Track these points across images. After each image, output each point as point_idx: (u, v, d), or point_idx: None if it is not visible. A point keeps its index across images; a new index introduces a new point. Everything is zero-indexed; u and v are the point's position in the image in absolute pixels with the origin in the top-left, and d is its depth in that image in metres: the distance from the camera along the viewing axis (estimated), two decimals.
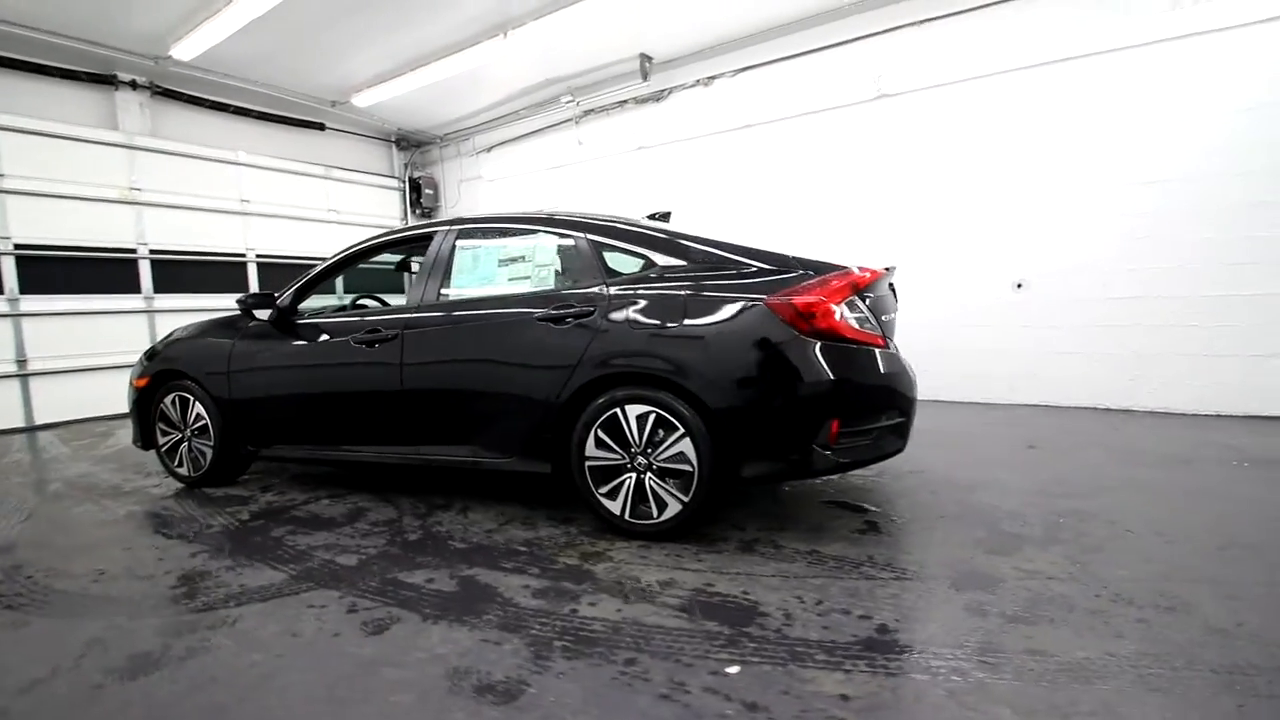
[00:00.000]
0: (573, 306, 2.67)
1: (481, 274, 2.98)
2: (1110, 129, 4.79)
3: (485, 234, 3.08)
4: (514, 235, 3.02)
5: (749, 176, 6.47)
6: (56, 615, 2.15)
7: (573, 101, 7.24)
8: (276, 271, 7.64)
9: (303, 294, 3.42)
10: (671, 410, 2.46)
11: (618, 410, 2.55)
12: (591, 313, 2.63)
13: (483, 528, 2.84)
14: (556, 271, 2.85)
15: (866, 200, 5.85)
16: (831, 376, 2.35)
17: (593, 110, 7.42)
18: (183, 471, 3.65)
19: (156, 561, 2.58)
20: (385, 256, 3.92)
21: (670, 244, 2.71)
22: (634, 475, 2.56)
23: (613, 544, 2.59)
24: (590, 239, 2.81)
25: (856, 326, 2.44)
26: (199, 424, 3.54)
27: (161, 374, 3.66)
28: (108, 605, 2.20)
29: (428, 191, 9.19)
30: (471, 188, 8.96)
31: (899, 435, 2.56)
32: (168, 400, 3.62)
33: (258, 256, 7.50)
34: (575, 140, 7.64)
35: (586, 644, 1.84)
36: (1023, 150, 5.12)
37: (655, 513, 2.55)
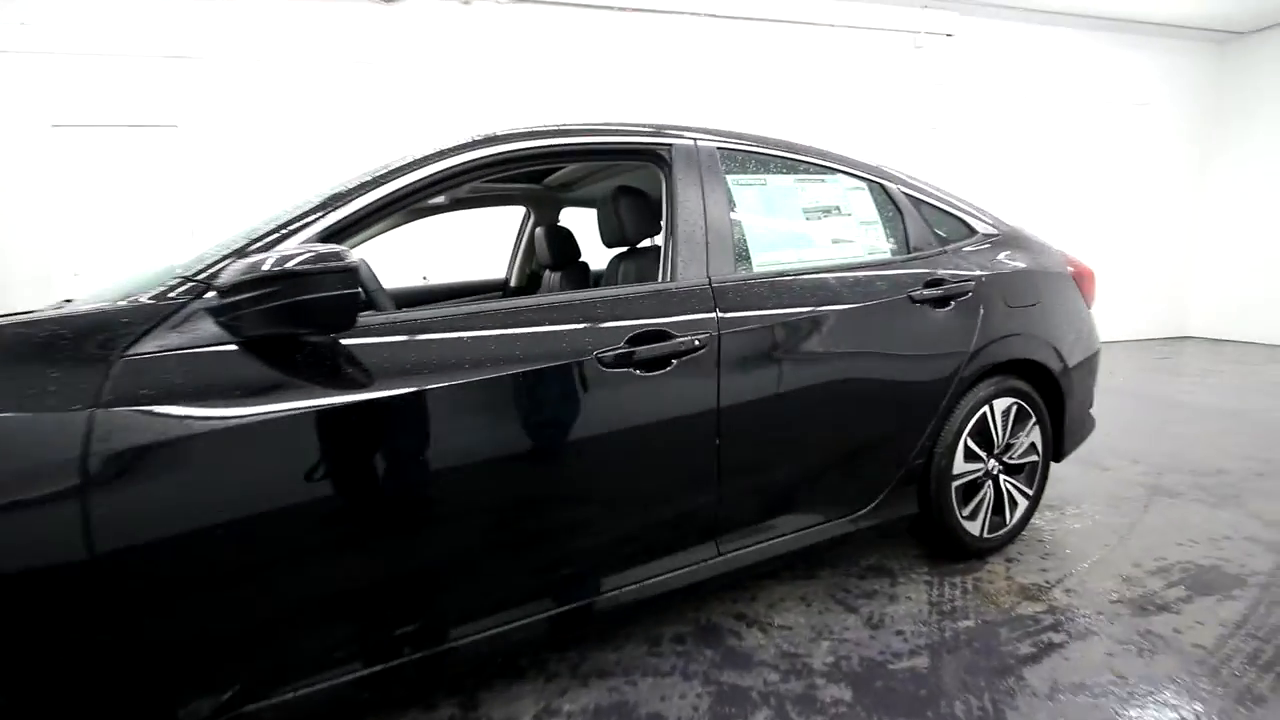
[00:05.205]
0: (947, 283, 1.99)
1: (787, 232, 1.82)
2: None
3: (748, 165, 1.85)
4: (791, 172, 1.93)
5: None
6: None
7: None
8: None
9: None
10: (1027, 398, 2.20)
11: (986, 409, 2.09)
12: (969, 291, 2.02)
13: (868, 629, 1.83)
14: (883, 232, 2.02)
15: None
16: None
17: None
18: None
19: None
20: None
21: (978, 209, 2.31)
22: (990, 482, 2.16)
23: (983, 570, 2.15)
24: (910, 193, 2.11)
25: None
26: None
27: None
28: None
29: None
30: None
31: None
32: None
33: None
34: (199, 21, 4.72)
35: None
36: None
37: (1008, 518, 2.23)
